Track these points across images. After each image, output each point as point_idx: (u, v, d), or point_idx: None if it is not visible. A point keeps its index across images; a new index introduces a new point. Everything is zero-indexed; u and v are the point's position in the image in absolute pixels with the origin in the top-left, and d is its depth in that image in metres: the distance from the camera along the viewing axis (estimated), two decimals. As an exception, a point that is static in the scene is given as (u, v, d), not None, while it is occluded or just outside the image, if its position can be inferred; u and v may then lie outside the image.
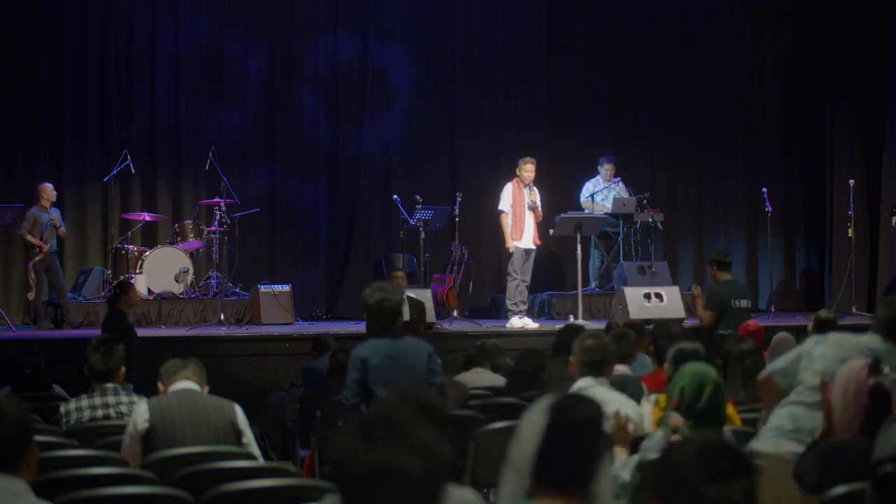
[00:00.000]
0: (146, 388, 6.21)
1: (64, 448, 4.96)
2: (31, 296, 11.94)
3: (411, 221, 13.18)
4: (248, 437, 5.15)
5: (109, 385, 5.68)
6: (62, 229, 12.16)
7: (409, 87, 14.95)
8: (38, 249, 11.75)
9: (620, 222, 13.54)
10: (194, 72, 14.35)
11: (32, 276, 11.83)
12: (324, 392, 7.26)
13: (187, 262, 13.04)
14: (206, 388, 5.24)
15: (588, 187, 13.98)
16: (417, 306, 10.28)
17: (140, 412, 5.01)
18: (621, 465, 4.47)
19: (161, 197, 14.14)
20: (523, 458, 2.63)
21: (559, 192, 14.41)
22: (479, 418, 5.96)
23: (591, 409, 2.69)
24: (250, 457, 4.96)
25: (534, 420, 2.67)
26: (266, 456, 6.14)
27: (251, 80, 14.48)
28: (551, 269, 14.73)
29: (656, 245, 14.18)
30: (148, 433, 4.94)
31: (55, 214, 12.11)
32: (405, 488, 2.04)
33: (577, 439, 2.62)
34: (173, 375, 5.18)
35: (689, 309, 12.02)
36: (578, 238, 12.09)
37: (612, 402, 5.08)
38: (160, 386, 5.24)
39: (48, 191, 12.05)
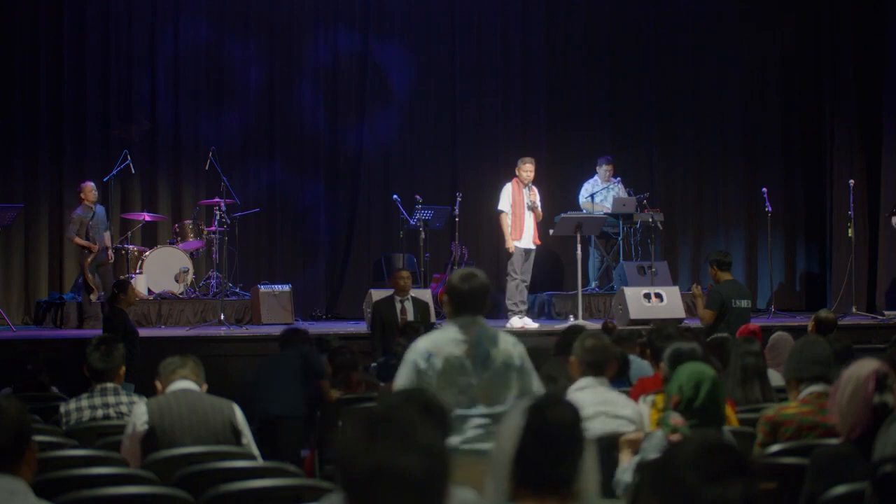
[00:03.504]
0: (147, 387, 6.20)
1: (64, 448, 4.95)
2: (94, 297, 11.86)
3: (411, 221, 13.17)
4: (248, 437, 5.14)
5: (109, 385, 5.66)
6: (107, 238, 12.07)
7: (408, 88, 14.94)
8: (88, 250, 11.75)
9: (620, 222, 13.54)
10: (194, 72, 14.35)
11: (90, 276, 11.79)
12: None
13: (187, 262, 13.04)
14: (205, 387, 5.22)
15: (586, 188, 13.98)
16: (421, 307, 10.29)
17: (139, 414, 4.99)
18: (623, 469, 4.47)
19: (161, 197, 14.14)
20: (503, 459, 2.66)
21: (559, 192, 14.40)
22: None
23: (567, 411, 2.74)
24: (250, 457, 4.95)
25: (512, 422, 2.70)
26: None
27: (251, 80, 14.49)
28: (551, 269, 14.72)
29: (656, 245, 14.16)
30: (147, 435, 4.94)
31: (100, 212, 12.04)
32: (408, 488, 2.05)
33: (554, 441, 2.66)
34: (171, 374, 5.16)
35: (690, 309, 12.03)
36: (578, 238, 12.09)
37: (612, 402, 5.08)
38: (158, 384, 5.22)
39: (89, 190, 11.96)
